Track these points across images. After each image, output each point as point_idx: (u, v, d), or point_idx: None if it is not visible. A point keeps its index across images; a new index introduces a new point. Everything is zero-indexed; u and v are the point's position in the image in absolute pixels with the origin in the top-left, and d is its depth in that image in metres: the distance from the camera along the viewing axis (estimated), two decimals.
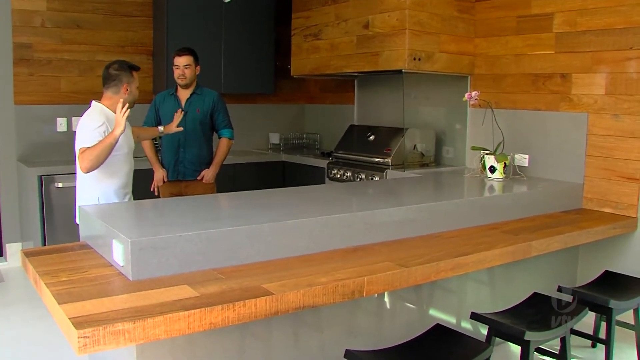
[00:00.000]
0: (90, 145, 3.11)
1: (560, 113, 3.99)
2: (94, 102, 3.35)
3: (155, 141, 4.48)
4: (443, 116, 4.92)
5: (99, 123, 3.20)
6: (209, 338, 2.31)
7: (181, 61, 4.19)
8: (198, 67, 4.27)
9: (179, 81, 4.23)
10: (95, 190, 3.31)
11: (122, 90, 3.32)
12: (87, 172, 3.14)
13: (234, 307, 1.91)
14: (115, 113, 3.14)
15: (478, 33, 4.54)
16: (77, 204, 3.35)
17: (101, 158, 3.10)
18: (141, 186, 4.12)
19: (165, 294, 1.98)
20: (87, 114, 3.29)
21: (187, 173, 4.33)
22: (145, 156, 4.33)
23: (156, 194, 4.35)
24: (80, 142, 3.16)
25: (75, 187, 3.45)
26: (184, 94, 4.29)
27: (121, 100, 3.15)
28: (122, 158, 3.35)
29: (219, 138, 4.43)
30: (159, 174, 4.31)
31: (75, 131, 3.33)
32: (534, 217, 3.47)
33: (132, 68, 3.37)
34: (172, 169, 4.31)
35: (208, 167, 4.35)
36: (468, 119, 4.65)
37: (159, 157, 4.39)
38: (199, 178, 4.33)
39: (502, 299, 3.28)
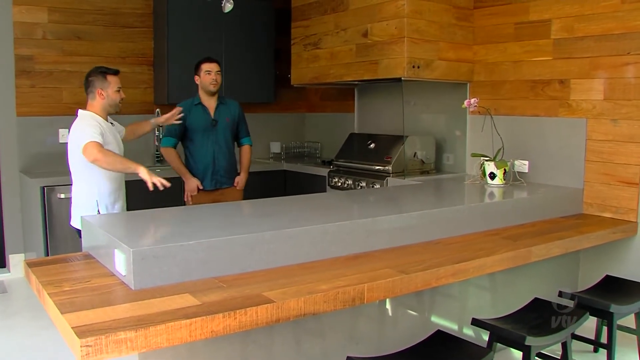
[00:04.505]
0: (99, 141, 3.20)
1: (559, 119, 4.01)
2: (80, 111, 3.44)
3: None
4: (443, 123, 4.94)
5: (94, 122, 3.33)
6: (211, 346, 2.32)
7: (213, 67, 4.24)
8: None
9: (210, 87, 4.25)
10: (92, 193, 3.41)
11: (97, 96, 3.41)
12: (91, 162, 3.19)
13: (235, 315, 1.92)
14: (101, 117, 3.39)
15: (476, 40, 4.57)
16: (74, 207, 3.49)
17: (113, 167, 3.24)
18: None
19: (167, 302, 1.99)
20: (79, 120, 3.39)
21: (223, 181, 4.38)
22: (169, 166, 4.36)
23: (190, 203, 4.30)
24: (86, 137, 3.20)
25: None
26: (210, 103, 4.32)
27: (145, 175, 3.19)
28: None
29: (241, 146, 4.54)
30: (193, 184, 4.30)
31: (67, 141, 3.44)
32: (534, 223, 3.48)
33: (105, 72, 3.43)
34: (209, 179, 4.33)
35: (236, 175, 4.46)
36: (468, 125, 4.67)
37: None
38: (235, 184, 4.43)
39: (503, 305, 3.28)
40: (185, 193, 4.34)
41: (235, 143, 4.53)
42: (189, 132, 4.27)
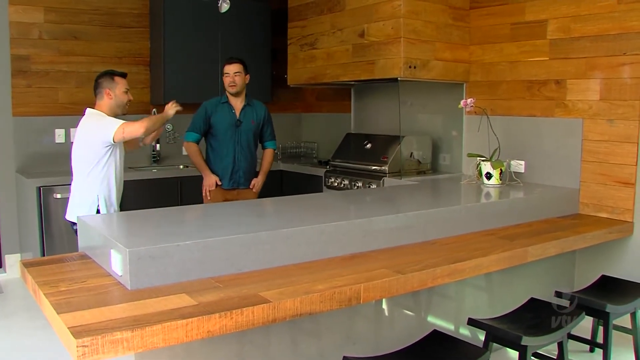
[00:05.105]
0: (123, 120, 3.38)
1: (556, 119, 4.02)
2: (89, 109, 3.52)
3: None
4: (439, 123, 4.95)
5: (106, 115, 3.45)
6: (208, 346, 2.32)
7: (231, 69, 4.27)
8: (247, 76, 4.35)
9: (229, 89, 4.29)
10: (94, 189, 3.45)
11: (104, 95, 3.49)
12: (144, 133, 3.41)
13: (231, 315, 1.92)
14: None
15: (473, 40, 4.57)
16: (72, 201, 3.54)
17: (155, 126, 3.50)
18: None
19: (164, 302, 1.99)
20: (89, 117, 3.47)
21: (241, 182, 4.42)
22: (191, 164, 4.39)
23: (209, 198, 4.37)
24: (113, 125, 3.34)
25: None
26: (237, 104, 4.35)
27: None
28: (119, 162, 3.54)
29: (264, 149, 4.56)
30: (211, 179, 4.35)
31: (74, 138, 3.51)
32: (530, 223, 3.49)
33: (112, 74, 3.53)
34: (228, 178, 4.37)
35: (254, 176, 4.49)
36: (464, 126, 4.67)
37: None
38: (250, 187, 4.45)
39: (499, 305, 3.29)
40: (204, 188, 4.38)
41: (260, 145, 4.57)
42: (212, 130, 4.32)
